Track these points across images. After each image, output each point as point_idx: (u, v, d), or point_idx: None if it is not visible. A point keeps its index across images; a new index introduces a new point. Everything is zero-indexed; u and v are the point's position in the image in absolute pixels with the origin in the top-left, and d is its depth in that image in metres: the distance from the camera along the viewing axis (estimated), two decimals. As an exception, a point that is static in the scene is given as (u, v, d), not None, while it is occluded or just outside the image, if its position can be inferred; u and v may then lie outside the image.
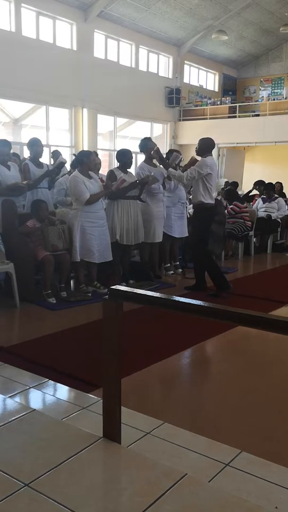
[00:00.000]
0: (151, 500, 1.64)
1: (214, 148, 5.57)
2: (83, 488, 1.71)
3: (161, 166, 6.20)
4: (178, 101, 15.48)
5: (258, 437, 2.46)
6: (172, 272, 6.34)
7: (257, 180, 9.43)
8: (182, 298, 1.80)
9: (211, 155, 5.47)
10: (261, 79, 17.84)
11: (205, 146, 5.39)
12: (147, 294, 1.92)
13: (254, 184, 9.34)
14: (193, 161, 6.31)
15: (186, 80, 16.43)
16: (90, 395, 2.72)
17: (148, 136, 6.76)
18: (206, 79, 17.66)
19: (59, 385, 2.91)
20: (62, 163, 6.01)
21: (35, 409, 2.35)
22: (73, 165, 5.97)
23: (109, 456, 1.96)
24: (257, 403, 2.90)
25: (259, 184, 9.15)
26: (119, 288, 1.96)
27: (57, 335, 3.98)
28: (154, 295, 1.90)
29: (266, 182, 9.03)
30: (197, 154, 5.45)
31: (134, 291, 1.97)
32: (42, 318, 4.50)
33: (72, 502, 1.63)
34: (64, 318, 4.45)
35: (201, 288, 5.45)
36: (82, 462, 1.87)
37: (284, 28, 14.80)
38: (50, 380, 2.93)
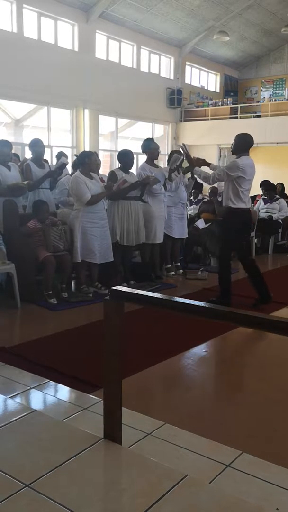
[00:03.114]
0: (152, 501, 1.64)
1: (252, 146, 4.89)
2: (84, 488, 1.71)
3: (162, 167, 6.21)
4: (180, 102, 15.50)
5: (259, 438, 2.46)
6: (173, 273, 6.34)
7: (262, 180, 9.38)
8: (182, 299, 1.80)
9: (248, 155, 4.81)
10: (263, 80, 17.84)
11: (242, 143, 4.76)
12: (148, 295, 1.92)
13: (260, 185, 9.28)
14: (195, 161, 6.29)
15: (187, 81, 16.45)
16: (91, 396, 2.71)
17: (150, 137, 6.75)
18: (208, 80, 17.68)
19: (59, 385, 2.90)
20: (64, 164, 6.01)
21: (35, 410, 2.35)
22: (74, 165, 5.98)
23: (109, 456, 1.96)
24: (258, 404, 2.90)
25: (263, 185, 9.12)
26: (120, 289, 1.96)
27: (58, 335, 3.97)
28: (155, 296, 1.90)
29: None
30: (232, 152, 4.94)
31: (135, 292, 1.97)
32: (43, 318, 4.50)
33: (73, 503, 1.63)
34: (65, 318, 4.45)
35: (225, 302, 4.68)
36: (83, 462, 1.87)
37: (286, 29, 14.79)
38: (50, 381, 2.93)
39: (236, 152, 4.81)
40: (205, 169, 5.16)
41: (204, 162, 5.19)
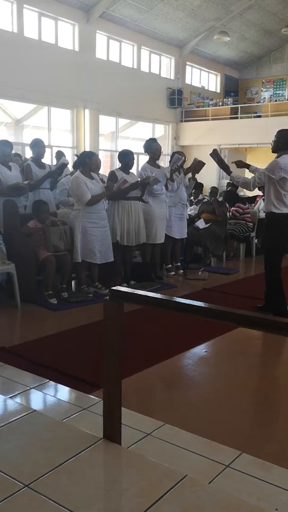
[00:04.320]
0: (152, 501, 1.64)
1: None
2: (84, 489, 1.71)
3: (163, 167, 6.21)
4: (180, 102, 15.50)
5: (258, 438, 2.46)
6: (173, 273, 6.34)
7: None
8: (182, 299, 1.80)
9: None
10: (263, 80, 17.84)
11: (284, 141, 4.32)
12: (147, 295, 1.92)
13: None
14: (195, 163, 6.29)
15: (188, 81, 16.45)
16: (91, 396, 2.71)
17: (153, 137, 6.73)
18: (208, 80, 17.68)
19: (59, 385, 2.91)
20: (64, 164, 6.02)
21: (35, 410, 2.35)
22: (75, 165, 5.98)
23: (109, 457, 1.96)
24: (258, 404, 2.90)
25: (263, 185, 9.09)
26: (120, 289, 1.96)
27: (58, 335, 3.98)
28: (154, 296, 1.90)
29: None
30: (272, 150, 4.44)
31: (135, 292, 1.97)
32: (43, 318, 4.50)
33: (73, 503, 1.63)
34: (65, 318, 4.45)
35: (281, 311, 4.34)
36: (83, 463, 1.87)
37: (286, 29, 14.81)
38: (51, 381, 2.93)
39: (276, 151, 4.37)
40: (239, 172, 4.66)
41: (244, 164, 4.79)
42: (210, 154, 4.71)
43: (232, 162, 4.83)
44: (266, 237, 4.55)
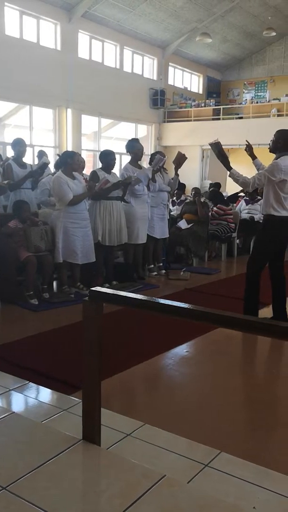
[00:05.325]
0: (130, 502, 1.64)
1: None
2: (62, 490, 1.70)
3: (146, 167, 6.21)
4: (163, 103, 15.54)
5: (237, 437, 2.47)
6: (155, 273, 6.36)
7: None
8: (161, 299, 1.80)
9: None
10: (245, 82, 17.99)
11: (284, 141, 4.09)
12: (127, 295, 1.92)
13: None
14: (179, 157, 6.32)
15: (170, 81, 16.49)
16: (71, 397, 2.70)
17: (135, 138, 6.72)
18: (191, 81, 17.75)
19: (40, 387, 2.89)
20: (46, 164, 5.98)
21: (14, 412, 2.33)
22: (56, 165, 5.95)
23: (88, 458, 1.96)
24: (238, 404, 2.92)
25: None
26: (99, 290, 1.96)
27: (39, 336, 3.95)
28: (134, 297, 1.90)
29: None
30: (270, 151, 4.22)
31: (114, 293, 1.96)
32: (24, 319, 4.46)
33: (51, 505, 1.62)
34: (47, 319, 4.42)
35: (253, 310, 4.27)
36: (61, 464, 1.86)
37: (267, 31, 14.96)
38: (31, 382, 2.91)
39: (275, 151, 4.17)
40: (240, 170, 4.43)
41: (251, 153, 4.56)
42: (210, 144, 4.33)
43: (246, 143, 4.60)
44: (260, 238, 4.40)
